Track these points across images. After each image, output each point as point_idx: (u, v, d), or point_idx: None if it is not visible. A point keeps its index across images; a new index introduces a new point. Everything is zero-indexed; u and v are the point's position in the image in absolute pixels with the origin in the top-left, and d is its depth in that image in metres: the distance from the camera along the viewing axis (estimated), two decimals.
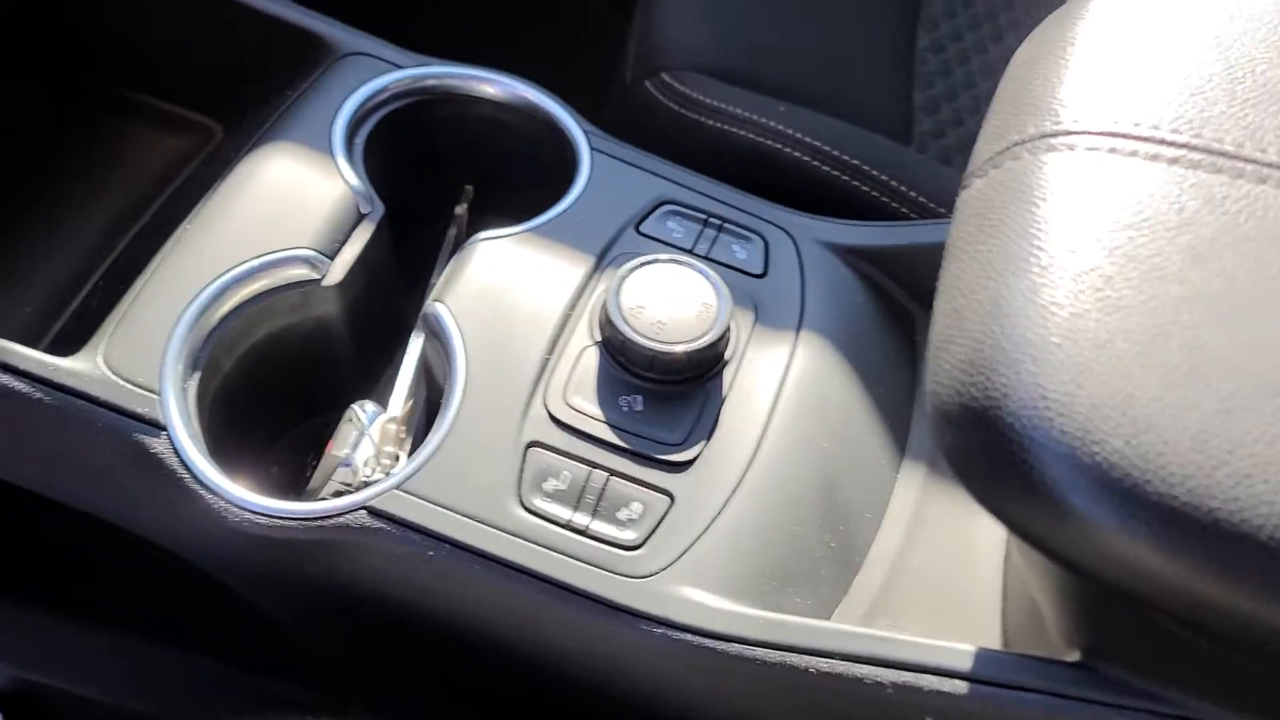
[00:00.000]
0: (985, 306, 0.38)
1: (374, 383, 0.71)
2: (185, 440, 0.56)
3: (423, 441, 0.58)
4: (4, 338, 0.62)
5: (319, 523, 0.55)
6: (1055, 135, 0.41)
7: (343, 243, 0.63)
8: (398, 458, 0.60)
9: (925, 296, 0.68)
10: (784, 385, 0.61)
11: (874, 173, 0.77)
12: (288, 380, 0.65)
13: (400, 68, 0.70)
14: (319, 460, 0.63)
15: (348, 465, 0.59)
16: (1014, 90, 0.45)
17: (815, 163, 0.77)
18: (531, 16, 1.31)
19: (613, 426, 0.58)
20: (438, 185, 0.75)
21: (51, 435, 0.57)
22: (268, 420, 0.67)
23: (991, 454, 0.37)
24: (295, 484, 0.65)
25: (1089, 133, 0.40)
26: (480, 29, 1.34)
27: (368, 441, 0.60)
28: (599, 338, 0.60)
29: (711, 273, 0.60)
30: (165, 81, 0.80)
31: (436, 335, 0.61)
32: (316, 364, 0.66)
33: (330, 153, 0.65)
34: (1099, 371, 0.35)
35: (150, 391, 0.56)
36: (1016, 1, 0.98)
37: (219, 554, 0.61)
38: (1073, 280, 0.37)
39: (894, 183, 0.77)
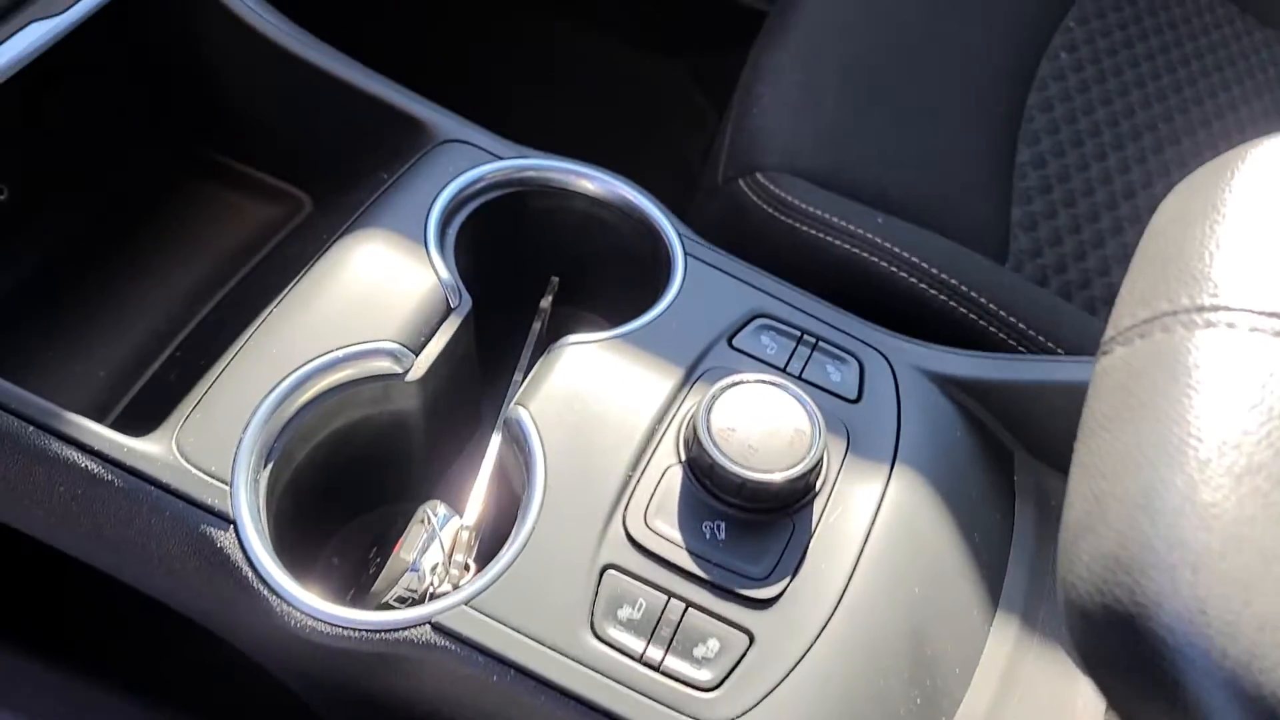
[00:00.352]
0: (1133, 497, 0.35)
1: (442, 477, 0.69)
2: (253, 537, 0.54)
3: (492, 552, 0.56)
4: (74, 404, 0.61)
5: (382, 635, 0.52)
6: (1213, 310, 0.38)
7: (429, 337, 0.61)
8: (468, 567, 0.58)
9: (1025, 434, 0.65)
10: (875, 522, 0.58)
11: (971, 294, 0.75)
12: (358, 471, 0.64)
13: (498, 157, 0.69)
14: (381, 554, 0.61)
15: (415, 571, 0.57)
16: (1162, 250, 0.42)
17: (912, 279, 0.75)
18: (623, 106, 1.31)
19: (693, 554, 0.55)
20: (524, 276, 0.73)
21: (117, 517, 0.55)
22: (334, 510, 0.65)
23: (1136, 664, 0.33)
24: (355, 576, 0.63)
25: (1253, 311, 0.37)
26: (571, 118, 1.34)
27: (437, 547, 0.58)
28: (685, 457, 0.58)
29: (806, 397, 0.58)
30: (260, 150, 0.80)
31: (517, 441, 0.59)
32: (389, 456, 0.64)
33: (423, 242, 0.64)
34: (1268, 589, 0.32)
35: (222, 482, 0.55)
36: (1121, 119, 0.96)
37: (275, 653, 0.58)
38: (1236, 480, 0.34)
39: (991, 305, 0.75)
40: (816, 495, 0.58)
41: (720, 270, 0.66)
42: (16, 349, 0.69)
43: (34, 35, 0.62)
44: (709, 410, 0.56)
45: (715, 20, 1.31)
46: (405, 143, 0.71)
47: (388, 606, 0.57)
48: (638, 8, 1.32)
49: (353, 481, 0.64)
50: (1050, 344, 0.72)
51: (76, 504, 0.56)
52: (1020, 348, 0.73)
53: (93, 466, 0.54)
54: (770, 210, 0.79)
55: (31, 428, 0.55)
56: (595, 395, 0.59)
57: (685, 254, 0.66)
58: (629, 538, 0.55)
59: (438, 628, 0.52)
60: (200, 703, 0.80)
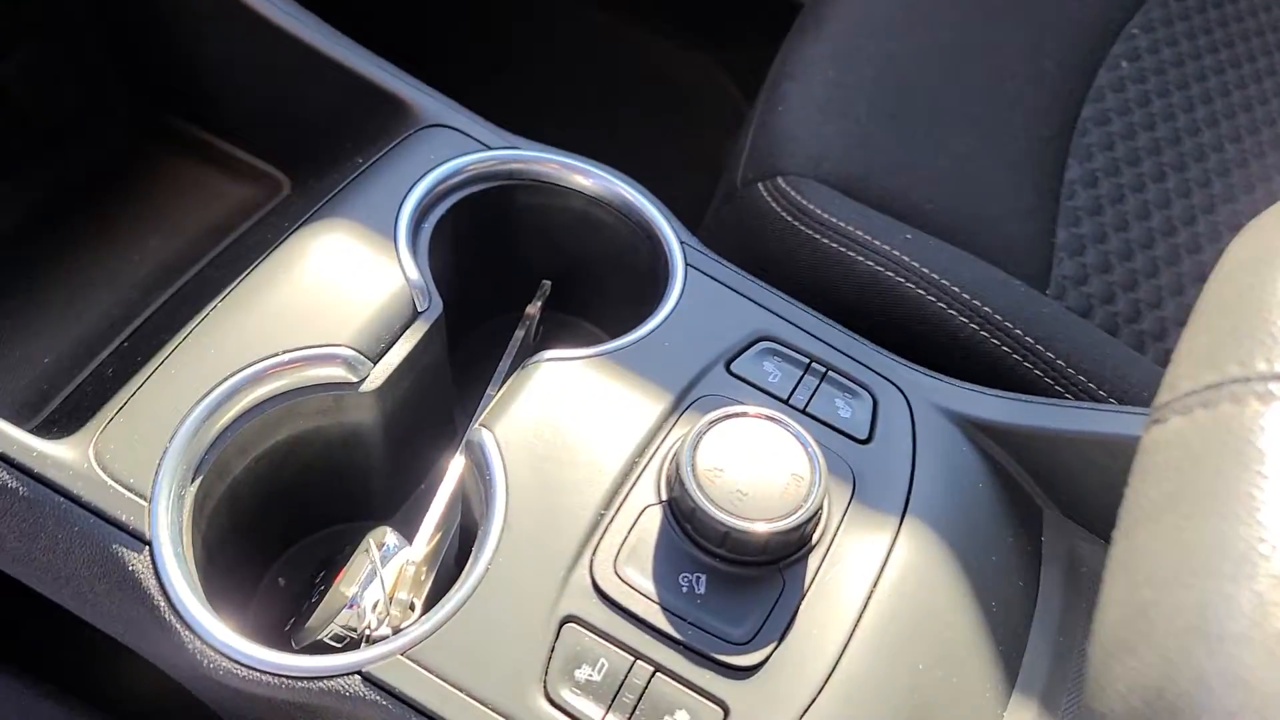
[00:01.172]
0: (1185, 615, 0.28)
1: (407, 495, 0.63)
2: (169, 560, 0.48)
3: (443, 592, 0.49)
4: (4, 395, 0.56)
5: (304, 683, 0.46)
6: None
7: (390, 344, 0.55)
8: (413, 606, 0.52)
9: (1058, 491, 0.58)
10: (878, 584, 0.50)
11: (1006, 323, 0.67)
12: (308, 487, 0.57)
13: (486, 147, 0.63)
14: (325, 581, 0.54)
15: (352, 607, 0.51)
16: (1231, 301, 0.35)
17: (940, 304, 0.67)
18: (652, 100, 1.24)
19: (666, 610, 0.48)
20: (512, 278, 0.66)
21: (21, 529, 0.49)
22: (279, 528, 0.59)
23: None
24: (299, 604, 0.57)
25: None
26: (590, 102, 1.28)
27: (379, 583, 0.51)
28: (665, 497, 0.51)
29: (808, 437, 0.51)
30: (238, 125, 0.74)
31: (478, 467, 0.52)
32: (343, 472, 0.58)
33: (392, 237, 0.57)
34: None
35: (141, 497, 0.49)
36: (1184, 136, 0.88)
37: (193, 683, 0.52)
38: None
39: (1028, 338, 0.67)
40: (812, 549, 0.51)
41: (723, 284, 0.60)
42: None
43: None
44: (695, 445, 0.50)
45: (752, 11, 1.24)
46: (388, 124, 0.64)
47: (322, 645, 0.51)
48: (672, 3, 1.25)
49: (302, 498, 0.58)
50: (1092, 385, 0.65)
51: None
52: (1058, 388, 0.65)
53: None
54: (789, 218, 0.72)
55: None
56: (570, 420, 0.53)
57: (686, 264, 0.60)
58: (595, 586, 0.49)
59: (368, 679, 0.46)
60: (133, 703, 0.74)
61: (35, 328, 0.65)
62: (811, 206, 0.72)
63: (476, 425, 0.53)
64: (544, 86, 1.29)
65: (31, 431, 0.50)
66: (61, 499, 0.48)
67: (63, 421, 0.53)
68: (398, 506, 0.63)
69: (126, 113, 0.73)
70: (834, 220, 0.71)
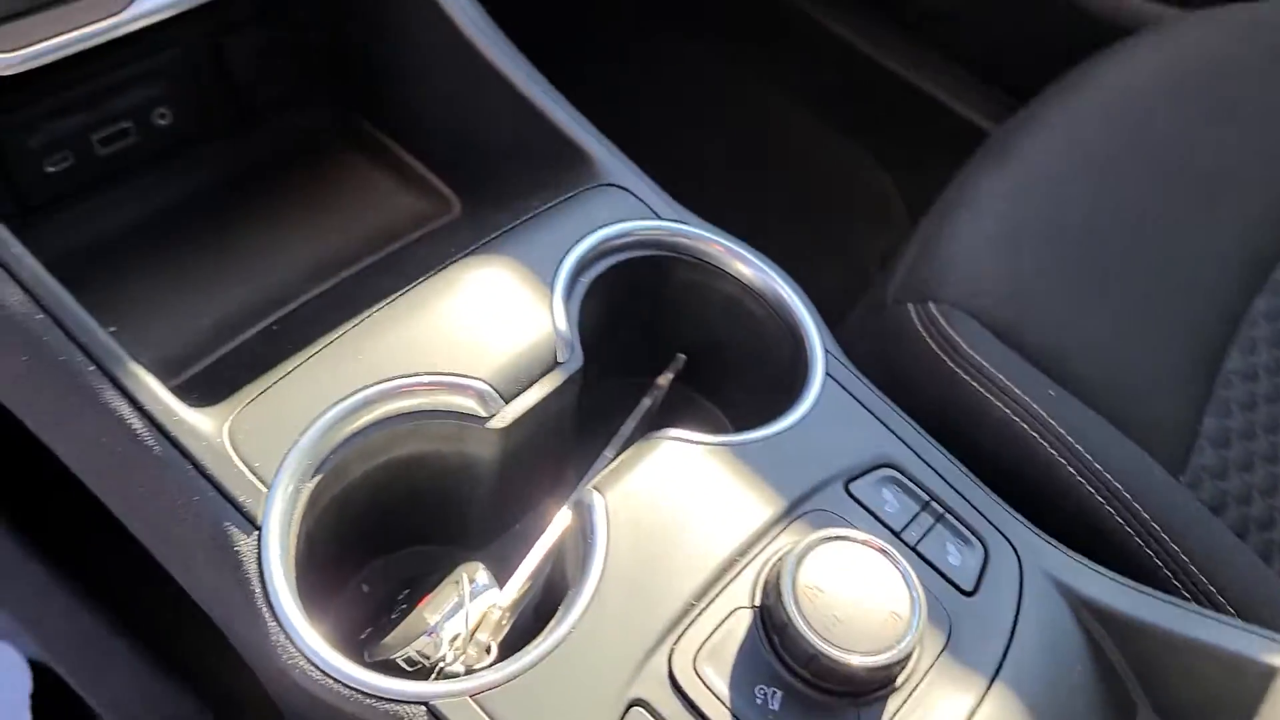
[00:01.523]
0: None
1: (504, 532, 0.64)
2: (274, 551, 0.49)
3: (524, 641, 0.49)
4: (155, 351, 0.58)
5: (371, 700, 0.47)
6: None
7: (525, 387, 0.56)
8: (490, 649, 0.52)
9: (1157, 691, 0.56)
10: None
11: (1135, 504, 0.65)
12: (414, 504, 0.58)
13: (656, 215, 0.64)
14: (410, 599, 0.55)
15: (431, 635, 0.51)
16: None
17: (1070, 469, 0.66)
18: (812, 186, 1.25)
19: (736, 718, 0.48)
20: (645, 343, 0.67)
21: (146, 484, 0.51)
22: (376, 537, 0.60)
23: None
24: (379, 614, 0.58)
25: None
26: (746, 167, 1.29)
27: (463, 617, 0.52)
28: (759, 603, 0.50)
29: (914, 577, 0.50)
30: (423, 139, 0.76)
31: (582, 528, 0.52)
32: (451, 497, 0.59)
33: (550, 285, 0.58)
34: None
35: (262, 483, 0.50)
36: None
37: (264, 672, 0.53)
38: None
39: (1155, 525, 0.65)
40: (895, 690, 0.50)
41: (858, 400, 0.59)
42: (122, 277, 0.66)
43: None
44: (799, 560, 0.49)
45: (934, 125, 1.24)
46: (567, 174, 0.66)
47: (393, 665, 0.51)
48: (854, 100, 1.26)
49: (405, 513, 0.59)
50: (1214, 589, 0.62)
51: (114, 458, 0.52)
52: (1176, 582, 0.63)
53: (137, 425, 0.51)
54: (934, 346, 0.71)
55: (92, 366, 0.51)
56: (681, 503, 0.53)
57: (825, 373, 0.59)
58: (671, 676, 0.48)
59: (434, 713, 0.46)
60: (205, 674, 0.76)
61: (196, 287, 0.68)
62: (959, 341, 0.71)
63: (589, 486, 0.53)
64: (702, 150, 1.31)
65: (172, 391, 0.52)
66: (189, 466, 0.50)
67: (202, 389, 0.55)
68: (490, 540, 0.63)
69: (327, 110, 0.77)
70: (979, 360, 0.70)
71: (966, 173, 0.85)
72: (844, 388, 0.60)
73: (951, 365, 0.70)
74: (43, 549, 0.73)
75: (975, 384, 0.69)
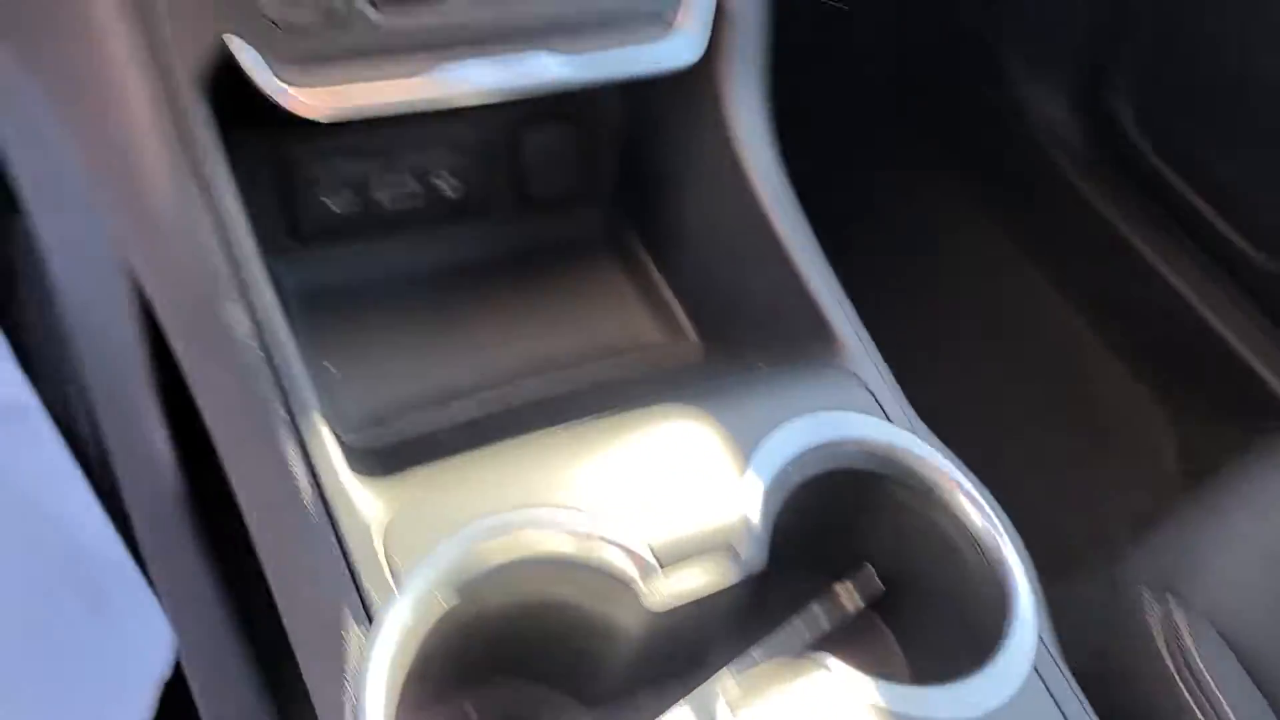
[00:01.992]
0: None
1: (622, 695, 0.59)
2: (381, 654, 0.46)
3: None
4: (355, 405, 0.58)
5: None
6: None
7: (691, 568, 0.51)
8: None
9: None
10: None
11: None
12: (541, 646, 0.55)
13: (889, 421, 0.58)
14: None
15: None
16: None
17: None
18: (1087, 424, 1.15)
19: None
20: (833, 546, 0.61)
21: (288, 530, 0.50)
22: (493, 663, 0.57)
23: None
24: None
25: None
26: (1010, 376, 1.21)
27: None
28: None
29: None
30: (678, 266, 0.74)
31: None
32: (577, 650, 0.55)
33: (758, 472, 0.54)
34: None
35: (395, 580, 0.48)
36: None
37: None
38: None
39: None
40: None
41: (1061, 711, 0.51)
42: (356, 322, 0.67)
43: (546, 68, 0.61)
44: None
45: (1229, 384, 1.10)
46: (810, 344, 0.62)
47: None
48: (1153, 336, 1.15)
49: (530, 651, 0.55)
50: None
51: (272, 501, 0.52)
52: None
53: (299, 473, 0.50)
54: (1164, 656, 0.61)
55: (283, 413, 0.51)
56: None
57: (1033, 668, 0.51)
58: None
59: None
60: None
61: (417, 351, 0.68)
62: (1195, 656, 0.61)
63: (722, 691, 0.48)
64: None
65: (350, 452, 0.52)
66: (330, 531, 0.49)
67: (381, 454, 0.54)
68: (607, 702, 0.59)
69: (598, 213, 0.76)
70: (1214, 686, 0.60)
71: (1265, 464, 0.74)
72: (1050, 694, 0.51)
73: (1179, 682, 0.60)
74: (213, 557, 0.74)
75: (1199, 711, 0.59)
